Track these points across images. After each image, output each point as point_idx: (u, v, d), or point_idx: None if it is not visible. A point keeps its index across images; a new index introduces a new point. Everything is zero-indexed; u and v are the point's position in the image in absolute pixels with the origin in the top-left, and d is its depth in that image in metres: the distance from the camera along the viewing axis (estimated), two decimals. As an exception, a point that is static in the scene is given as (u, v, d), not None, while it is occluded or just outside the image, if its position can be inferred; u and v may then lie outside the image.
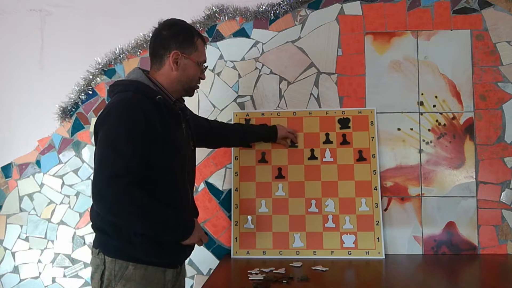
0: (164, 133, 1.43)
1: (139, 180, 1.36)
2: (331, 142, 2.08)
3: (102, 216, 1.40)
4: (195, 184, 2.12)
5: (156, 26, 1.56)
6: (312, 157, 2.08)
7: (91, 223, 1.50)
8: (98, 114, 1.43)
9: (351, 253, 1.98)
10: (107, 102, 2.19)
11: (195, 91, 1.63)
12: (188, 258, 1.64)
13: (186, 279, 2.07)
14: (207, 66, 1.64)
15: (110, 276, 1.39)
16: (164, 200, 1.41)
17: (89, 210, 2.14)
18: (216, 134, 1.90)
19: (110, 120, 1.38)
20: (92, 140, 2.17)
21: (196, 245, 1.56)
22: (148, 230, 1.39)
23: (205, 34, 2.18)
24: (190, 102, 2.15)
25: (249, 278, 1.63)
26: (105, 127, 1.38)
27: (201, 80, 1.61)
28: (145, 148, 1.37)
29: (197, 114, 2.04)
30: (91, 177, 2.15)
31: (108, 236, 1.42)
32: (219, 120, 2.12)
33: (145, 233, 1.40)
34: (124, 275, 1.39)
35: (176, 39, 1.50)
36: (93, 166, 2.16)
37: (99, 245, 1.45)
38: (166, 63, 1.51)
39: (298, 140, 2.08)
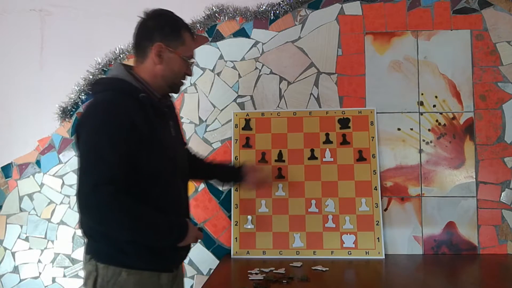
0: (150, 134, 1.34)
1: (127, 186, 1.28)
2: (331, 142, 2.08)
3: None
4: (195, 184, 2.13)
5: (142, 15, 1.46)
6: (312, 157, 2.08)
7: (81, 230, 1.43)
8: (80, 115, 1.36)
9: (351, 253, 1.98)
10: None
11: (181, 87, 1.54)
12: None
13: (186, 279, 2.08)
14: (194, 62, 1.55)
15: (103, 283, 1.33)
16: (155, 203, 1.35)
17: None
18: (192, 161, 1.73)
19: (91, 124, 1.30)
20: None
21: (192, 246, 1.52)
22: (140, 238, 1.33)
23: (205, 34, 2.18)
24: (190, 103, 2.16)
25: (249, 278, 1.63)
26: (85, 131, 1.30)
27: (186, 77, 1.51)
28: (130, 152, 1.29)
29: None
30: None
31: (98, 243, 1.37)
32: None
33: (137, 241, 1.34)
34: (117, 281, 1.33)
35: (161, 31, 1.40)
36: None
37: (90, 252, 1.38)
38: (149, 56, 1.41)
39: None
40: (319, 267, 1.79)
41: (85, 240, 1.42)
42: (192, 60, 1.50)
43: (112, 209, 1.25)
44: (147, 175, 1.35)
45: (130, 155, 1.29)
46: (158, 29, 1.41)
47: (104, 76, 1.47)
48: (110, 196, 1.24)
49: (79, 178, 1.28)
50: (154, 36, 1.40)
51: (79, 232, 2.16)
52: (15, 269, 2.17)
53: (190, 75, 1.51)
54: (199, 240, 2.09)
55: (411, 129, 2.10)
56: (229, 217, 2.08)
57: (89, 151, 1.28)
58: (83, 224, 1.40)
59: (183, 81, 1.51)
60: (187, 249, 1.52)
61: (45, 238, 2.17)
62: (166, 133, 1.46)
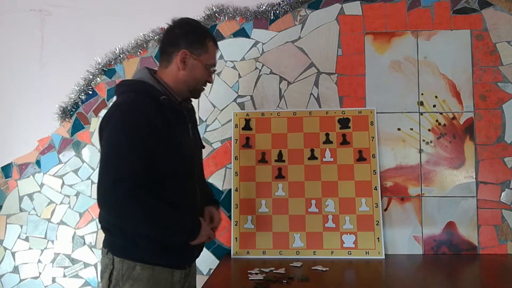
0: (168, 135, 1.41)
1: (145, 183, 1.34)
2: (331, 142, 2.08)
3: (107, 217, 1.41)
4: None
5: (170, 23, 1.54)
6: (312, 157, 2.08)
7: (100, 224, 1.50)
8: (104, 115, 1.44)
9: (351, 253, 1.98)
10: (107, 102, 2.19)
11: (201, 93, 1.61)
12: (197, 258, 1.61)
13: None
14: (216, 70, 1.61)
15: (118, 276, 1.39)
16: (171, 201, 1.40)
17: (89, 210, 2.15)
18: None
19: (112, 123, 1.37)
20: (92, 140, 2.18)
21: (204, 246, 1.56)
22: (153, 233, 1.38)
23: (205, 34, 2.18)
24: (190, 102, 2.16)
25: (249, 278, 1.64)
26: (107, 129, 1.37)
27: (207, 83, 1.58)
28: (148, 151, 1.35)
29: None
30: (91, 177, 2.16)
31: (115, 237, 1.43)
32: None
33: (151, 236, 1.39)
34: (131, 275, 1.39)
35: (187, 38, 1.48)
36: (93, 166, 2.18)
37: (107, 245, 1.45)
38: (174, 62, 1.49)
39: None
40: (319, 267, 1.79)
41: (104, 235, 1.48)
42: (214, 68, 1.58)
43: (130, 205, 1.31)
44: (165, 174, 1.41)
45: (148, 154, 1.35)
46: (184, 36, 1.49)
47: (129, 79, 1.54)
48: (129, 193, 1.30)
49: (99, 174, 1.35)
50: (180, 43, 1.48)
51: (79, 232, 2.16)
52: (15, 269, 2.17)
53: (211, 82, 1.59)
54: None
55: (411, 129, 2.10)
56: (229, 217, 2.08)
57: (110, 149, 1.35)
58: (101, 219, 1.46)
59: (204, 87, 1.58)
60: (200, 247, 1.56)
61: (45, 238, 2.17)
62: (185, 135, 1.52)
